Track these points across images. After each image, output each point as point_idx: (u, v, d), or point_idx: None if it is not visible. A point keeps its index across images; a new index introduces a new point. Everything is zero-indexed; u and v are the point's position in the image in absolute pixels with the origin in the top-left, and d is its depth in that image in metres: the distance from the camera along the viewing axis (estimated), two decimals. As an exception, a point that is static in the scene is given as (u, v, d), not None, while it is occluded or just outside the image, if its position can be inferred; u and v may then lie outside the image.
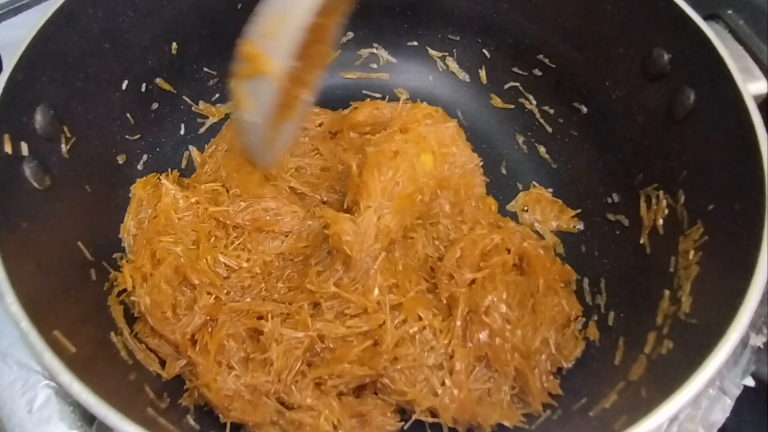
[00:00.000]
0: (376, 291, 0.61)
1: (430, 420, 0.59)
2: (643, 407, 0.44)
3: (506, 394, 0.60)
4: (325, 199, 0.75)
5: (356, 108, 0.83)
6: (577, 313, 0.66)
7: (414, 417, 0.59)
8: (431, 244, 0.69)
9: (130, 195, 0.72)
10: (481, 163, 0.77)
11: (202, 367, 0.59)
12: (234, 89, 0.60)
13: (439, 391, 0.58)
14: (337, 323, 0.60)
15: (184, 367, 0.61)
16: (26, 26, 0.58)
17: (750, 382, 0.60)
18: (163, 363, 0.62)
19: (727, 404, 0.59)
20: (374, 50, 0.89)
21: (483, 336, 0.60)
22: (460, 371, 0.59)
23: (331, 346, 0.60)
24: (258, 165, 0.71)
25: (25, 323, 0.46)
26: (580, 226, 0.75)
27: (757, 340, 0.61)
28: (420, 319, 0.61)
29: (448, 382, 0.58)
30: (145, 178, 0.74)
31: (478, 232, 0.67)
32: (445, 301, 0.63)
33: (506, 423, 0.58)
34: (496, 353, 0.60)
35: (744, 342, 0.61)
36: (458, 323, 0.60)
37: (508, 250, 0.66)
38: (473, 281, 0.63)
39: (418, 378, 0.59)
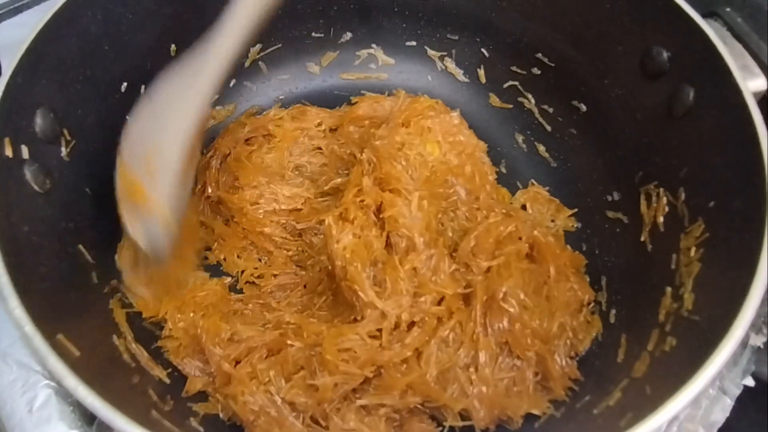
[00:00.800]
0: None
1: (460, 424, 0.58)
2: (649, 404, 0.44)
3: (530, 381, 0.59)
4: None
5: (356, 102, 0.83)
6: (590, 298, 0.66)
7: (447, 424, 0.58)
8: (453, 232, 0.68)
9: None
10: (485, 149, 0.77)
11: (236, 380, 0.58)
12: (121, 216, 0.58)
13: (469, 391, 0.57)
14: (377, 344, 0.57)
15: (207, 384, 0.61)
16: (26, 26, 0.58)
17: (750, 382, 0.60)
18: (164, 365, 0.61)
19: (727, 404, 0.59)
20: (373, 51, 0.89)
21: (503, 323, 0.60)
22: (485, 364, 0.58)
23: (381, 372, 0.57)
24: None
25: (29, 327, 0.46)
26: (578, 224, 0.75)
27: (757, 340, 0.61)
28: (451, 315, 0.60)
29: (474, 377, 0.58)
30: None
31: (491, 220, 0.66)
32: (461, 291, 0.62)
33: (536, 411, 0.58)
34: (517, 339, 0.59)
35: (744, 342, 0.61)
36: (478, 312, 0.60)
37: (520, 238, 0.66)
38: (488, 269, 0.63)
39: (449, 379, 0.58)
